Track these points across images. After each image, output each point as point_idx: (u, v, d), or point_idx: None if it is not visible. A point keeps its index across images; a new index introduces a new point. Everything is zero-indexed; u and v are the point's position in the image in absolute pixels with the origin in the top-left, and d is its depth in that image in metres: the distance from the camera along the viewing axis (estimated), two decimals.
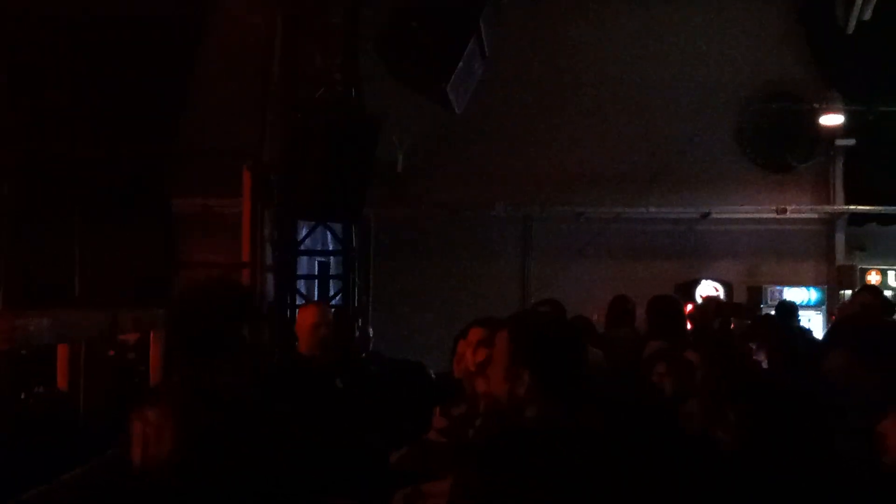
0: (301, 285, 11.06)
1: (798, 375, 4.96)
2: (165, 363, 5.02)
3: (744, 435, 3.45)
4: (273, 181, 10.02)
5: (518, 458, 2.79)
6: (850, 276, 15.36)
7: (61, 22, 4.69)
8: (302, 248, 11.25)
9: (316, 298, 11.08)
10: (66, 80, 4.67)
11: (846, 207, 15.72)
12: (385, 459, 4.16)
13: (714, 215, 15.52)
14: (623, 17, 15.30)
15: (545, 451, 2.78)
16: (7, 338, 3.73)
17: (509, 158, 15.19)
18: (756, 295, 14.76)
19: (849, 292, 14.19)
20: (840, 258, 15.75)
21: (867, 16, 13.95)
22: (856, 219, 15.84)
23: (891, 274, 15.67)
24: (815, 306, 14.93)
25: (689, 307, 10.33)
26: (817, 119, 15.23)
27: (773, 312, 10.67)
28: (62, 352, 4.71)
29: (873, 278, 15.36)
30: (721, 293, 14.54)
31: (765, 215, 15.55)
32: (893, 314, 7.45)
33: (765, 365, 5.68)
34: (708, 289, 14.53)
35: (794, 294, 14.51)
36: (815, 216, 15.83)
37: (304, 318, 5.80)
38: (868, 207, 15.59)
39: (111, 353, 5.48)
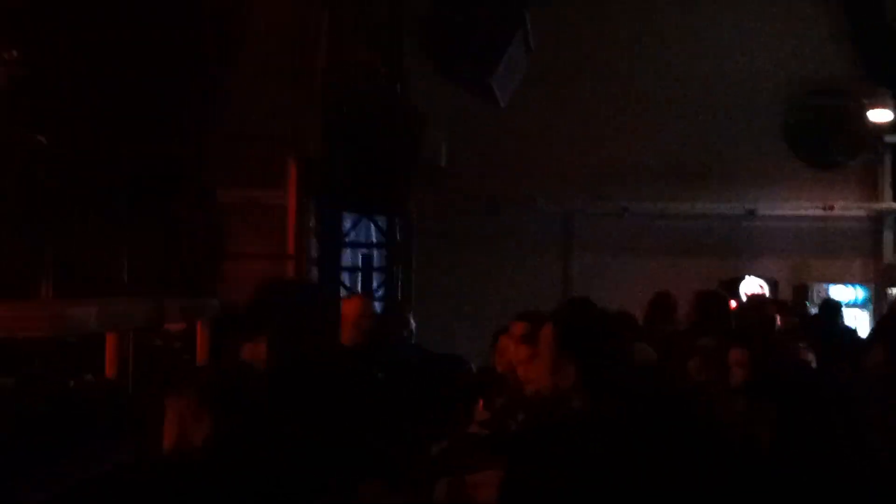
0: (345, 277, 11.12)
1: (840, 374, 4.93)
2: (212, 352, 5.07)
3: (784, 433, 3.44)
4: (318, 173, 10.08)
5: (569, 448, 2.81)
6: None
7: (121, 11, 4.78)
8: (346, 240, 11.32)
9: (359, 291, 11.14)
10: (111, 71, 4.73)
11: (894, 205, 15.52)
12: (426, 450, 4.18)
13: (760, 212, 15.40)
14: (670, 11, 15.21)
15: (594, 442, 2.80)
16: (56, 325, 3.79)
17: (552, 152, 15.16)
18: (802, 293, 14.60)
19: None
20: (888, 256, 15.54)
21: None
22: None
23: None
24: (861, 305, 14.78)
25: (734, 304, 10.26)
26: (865, 115, 15.02)
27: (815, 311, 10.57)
28: (111, 341, 4.78)
29: None
30: (766, 290, 14.41)
31: (811, 212, 15.38)
32: None
33: (814, 365, 5.64)
34: (753, 286, 14.39)
35: (840, 292, 14.36)
36: (863, 213, 15.64)
37: (348, 310, 5.86)
38: None
39: (158, 342, 5.55)
